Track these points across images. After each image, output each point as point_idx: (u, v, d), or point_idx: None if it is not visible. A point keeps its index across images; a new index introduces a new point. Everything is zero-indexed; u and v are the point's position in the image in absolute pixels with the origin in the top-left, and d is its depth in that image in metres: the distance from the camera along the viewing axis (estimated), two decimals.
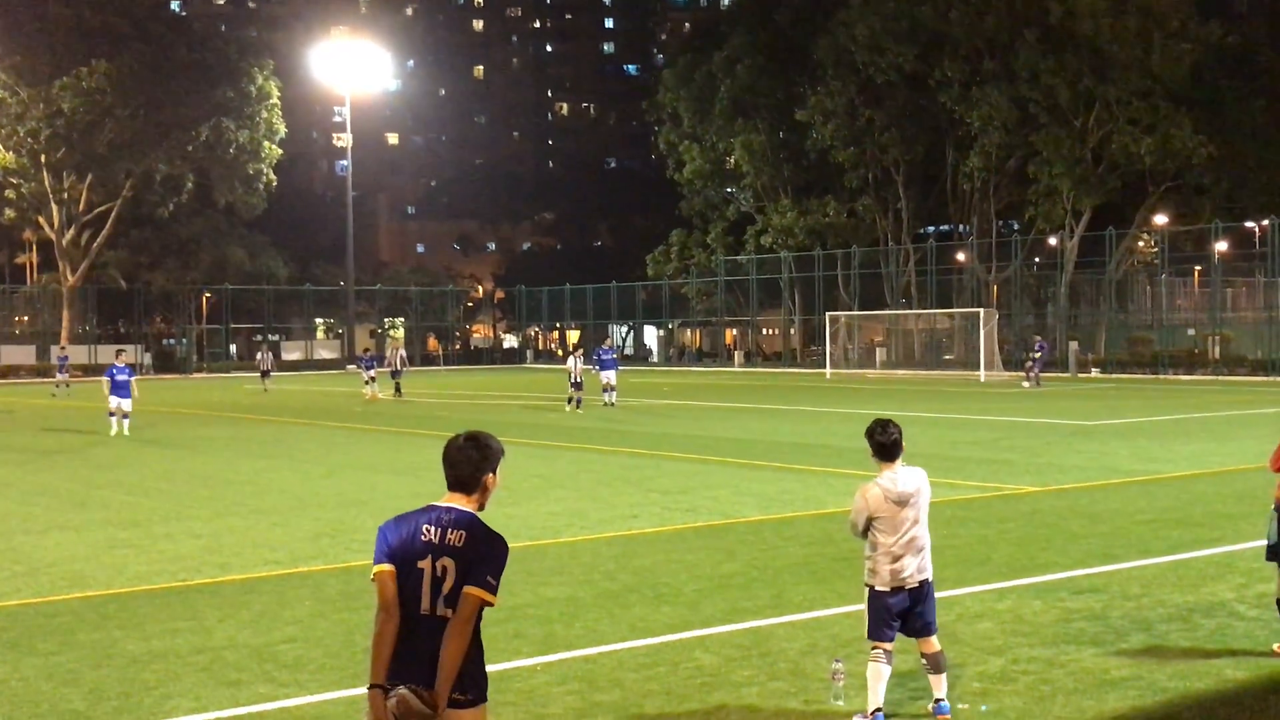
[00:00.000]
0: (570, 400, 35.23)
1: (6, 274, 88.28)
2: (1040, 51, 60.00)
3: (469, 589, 4.81)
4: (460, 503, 4.98)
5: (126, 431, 28.73)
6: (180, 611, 10.60)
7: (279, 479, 20.23)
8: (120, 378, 29.40)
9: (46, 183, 72.00)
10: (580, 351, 37.52)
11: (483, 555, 4.87)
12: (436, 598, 4.84)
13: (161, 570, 12.50)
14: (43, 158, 70.86)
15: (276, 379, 55.53)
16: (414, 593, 4.86)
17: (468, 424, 30.14)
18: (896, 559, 7.33)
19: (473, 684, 4.89)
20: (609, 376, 36.71)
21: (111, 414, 29.27)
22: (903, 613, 7.39)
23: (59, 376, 51.18)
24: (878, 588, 7.40)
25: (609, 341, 41.75)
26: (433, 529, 4.90)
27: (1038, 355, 48.96)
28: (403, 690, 4.78)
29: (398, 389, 44.56)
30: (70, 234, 74.51)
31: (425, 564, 4.86)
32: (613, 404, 36.16)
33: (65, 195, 73.51)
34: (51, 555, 13.38)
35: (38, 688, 8.37)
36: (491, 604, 4.87)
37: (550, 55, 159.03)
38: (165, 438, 28.72)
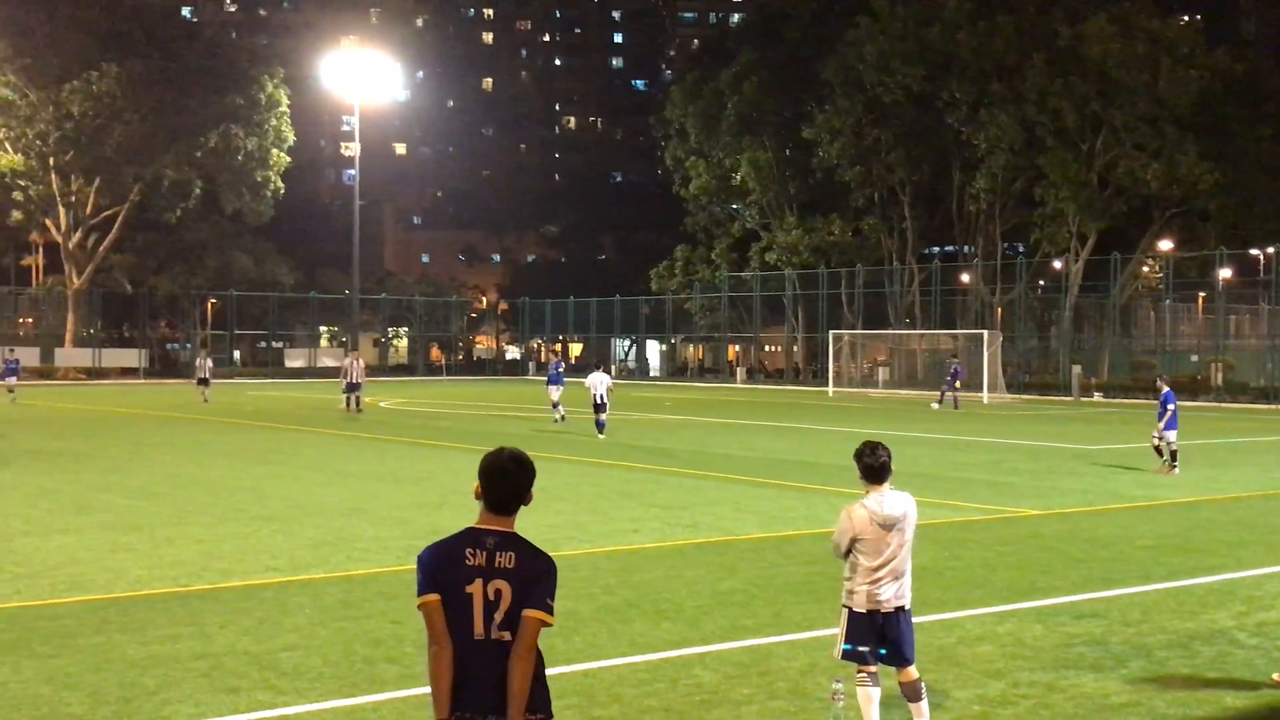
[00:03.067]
0: (596, 425, 30.93)
1: (12, 276, 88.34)
2: (1048, 75, 60.05)
3: (530, 612, 4.74)
4: (499, 524, 4.86)
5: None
6: (181, 617, 10.61)
7: (280, 486, 20.23)
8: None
9: (54, 185, 72.18)
10: (603, 367, 34.80)
11: (537, 576, 4.78)
12: (490, 622, 4.74)
13: (162, 575, 12.51)
14: (51, 160, 71.06)
15: (285, 386, 55.15)
16: (465, 619, 4.75)
17: (468, 435, 30.12)
18: (875, 582, 7.29)
19: (541, 703, 4.82)
20: (557, 393, 35.27)
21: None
22: (879, 637, 7.35)
23: (7, 381, 46.80)
24: (855, 609, 7.36)
25: (556, 356, 39.95)
26: (478, 552, 4.78)
27: (949, 378, 48.09)
28: None
29: (352, 403, 40.07)
30: (77, 237, 74.67)
31: (474, 589, 4.74)
32: (562, 418, 34.55)
33: (73, 198, 73.70)
34: (53, 558, 13.38)
35: (37, 690, 8.38)
36: (551, 625, 4.81)
37: (559, 69, 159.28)
38: (168, 441, 28.74)
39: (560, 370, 36.97)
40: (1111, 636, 10.16)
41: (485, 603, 4.74)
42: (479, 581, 4.75)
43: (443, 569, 4.79)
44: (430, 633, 4.80)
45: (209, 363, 49.94)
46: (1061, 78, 59.71)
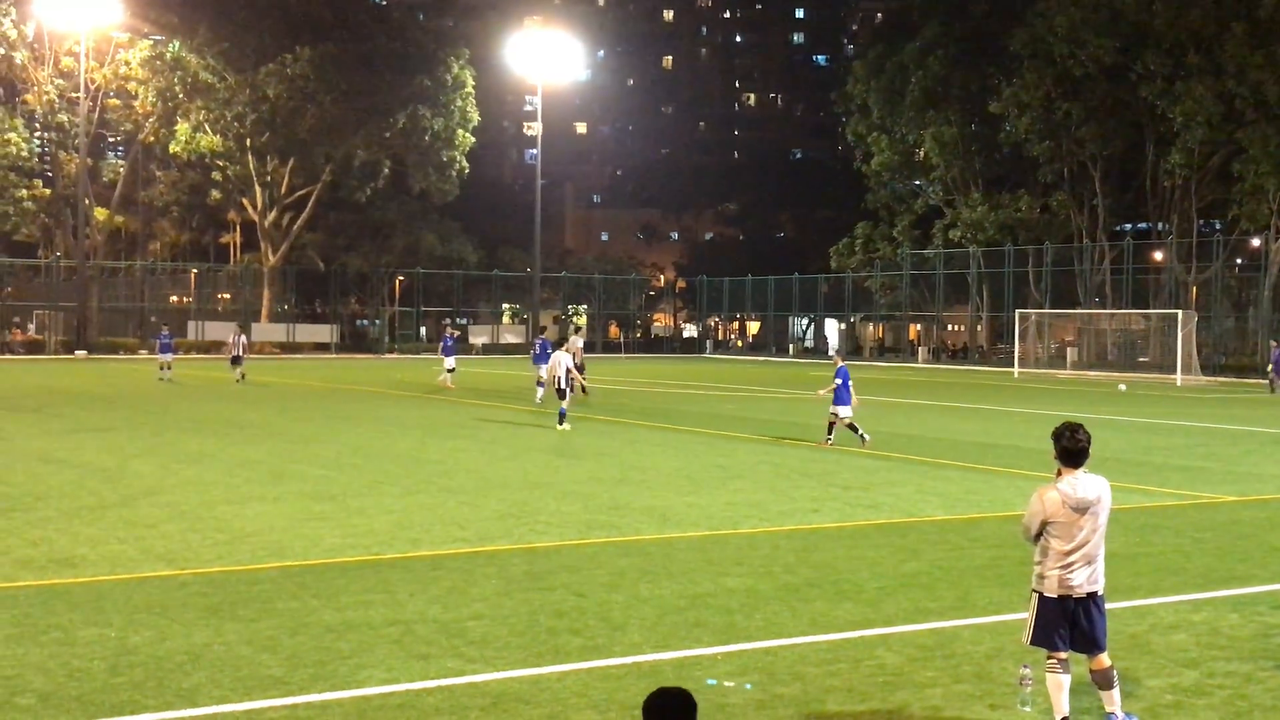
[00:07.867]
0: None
1: (212, 253, 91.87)
2: (1248, 46, 57.70)
3: None
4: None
5: None
6: (373, 584, 10.93)
7: (467, 459, 20.65)
8: None
9: (251, 166, 74.79)
10: (570, 341, 29.40)
11: None
12: None
13: (355, 543, 12.91)
14: (248, 142, 73.64)
15: (464, 361, 55.49)
16: None
17: (645, 412, 30.22)
18: (1067, 567, 7.14)
19: None
20: (543, 369, 31.40)
21: None
22: (1070, 623, 7.20)
23: (162, 357, 44.04)
24: (1045, 594, 7.22)
25: (548, 333, 37.54)
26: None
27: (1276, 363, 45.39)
28: None
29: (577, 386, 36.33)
30: (272, 216, 77.27)
31: None
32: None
33: (268, 178, 76.30)
34: (252, 525, 13.92)
35: (238, 652, 8.73)
36: None
37: (739, 45, 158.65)
38: (358, 414, 29.58)
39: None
40: None
41: None
42: None
43: None
44: None
45: (243, 339, 46.05)
46: (1262, 48, 57.32)
